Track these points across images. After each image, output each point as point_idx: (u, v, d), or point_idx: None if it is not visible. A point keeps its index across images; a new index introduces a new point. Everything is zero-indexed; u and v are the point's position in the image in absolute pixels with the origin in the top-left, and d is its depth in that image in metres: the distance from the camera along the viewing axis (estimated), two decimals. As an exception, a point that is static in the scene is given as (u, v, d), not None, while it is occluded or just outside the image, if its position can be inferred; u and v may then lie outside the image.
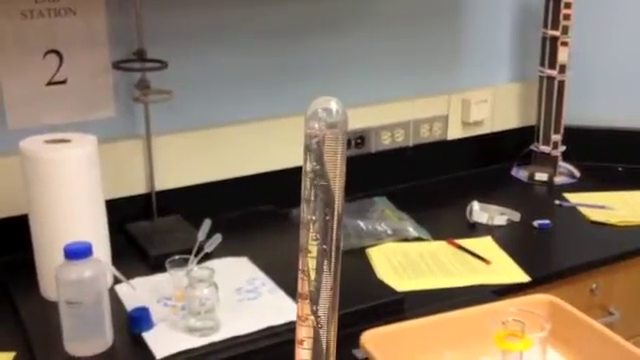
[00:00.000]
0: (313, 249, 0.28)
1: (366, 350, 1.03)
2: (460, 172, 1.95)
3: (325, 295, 0.28)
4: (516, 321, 0.87)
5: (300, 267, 0.28)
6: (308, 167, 0.28)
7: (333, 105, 0.28)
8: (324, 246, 0.27)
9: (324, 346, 0.29)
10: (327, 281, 0.28)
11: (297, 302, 0.29)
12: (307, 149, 0.29)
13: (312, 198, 0.28)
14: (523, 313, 0.94)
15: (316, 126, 0.28)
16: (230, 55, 1.59)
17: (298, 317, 0.29)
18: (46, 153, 1.18)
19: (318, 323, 0.28)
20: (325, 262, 0.28)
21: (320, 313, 0.28)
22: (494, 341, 0.86)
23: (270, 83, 1.66)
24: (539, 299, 1.15)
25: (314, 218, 0.28)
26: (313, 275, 0.28)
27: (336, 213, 0.28)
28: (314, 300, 0.28)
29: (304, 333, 0.29)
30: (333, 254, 0.28)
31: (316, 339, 0.29)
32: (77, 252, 1.03)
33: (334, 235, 0.28)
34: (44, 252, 1.23)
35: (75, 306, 1.05)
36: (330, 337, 0.29)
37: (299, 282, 0.29)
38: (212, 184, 1.61)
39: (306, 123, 0.29)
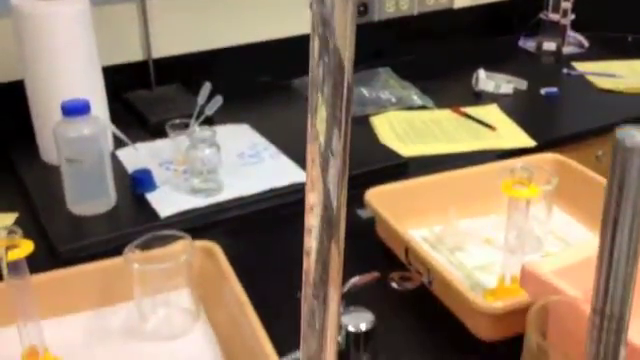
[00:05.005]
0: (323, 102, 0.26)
1: (370, 206, 1.02)
2: (466, 42, 1.89)
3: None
4: (524, 169, 0.85)
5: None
6: (313, 9, 0.25)
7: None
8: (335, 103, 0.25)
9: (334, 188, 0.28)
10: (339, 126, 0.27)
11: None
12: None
13: (320, 49, 0.26)
14: (530, 169, 0.93)
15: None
16: None
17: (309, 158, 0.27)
18: (39, 9, 1.13)
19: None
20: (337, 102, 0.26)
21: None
22: (501, 189, 0.85)
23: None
24: (546, 157, 1.14)
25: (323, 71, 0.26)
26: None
27: (347, 64, 0.26)
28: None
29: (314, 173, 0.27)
30: (345, 100, 0.26)
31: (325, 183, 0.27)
32: (75, 108, 1.00)
33: (345, 79, 0.26)
34: (42, 115, 1.20)
35: (76, 164, 1.03)
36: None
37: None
38: (211, 52, 1.56)
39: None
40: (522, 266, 0.70)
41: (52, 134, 1.04)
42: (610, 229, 0.32)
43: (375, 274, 0.85)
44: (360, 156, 1.25)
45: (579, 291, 0.60)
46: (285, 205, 1.13)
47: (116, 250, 0.86)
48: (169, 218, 1.06)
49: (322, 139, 0.28)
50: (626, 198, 0.32)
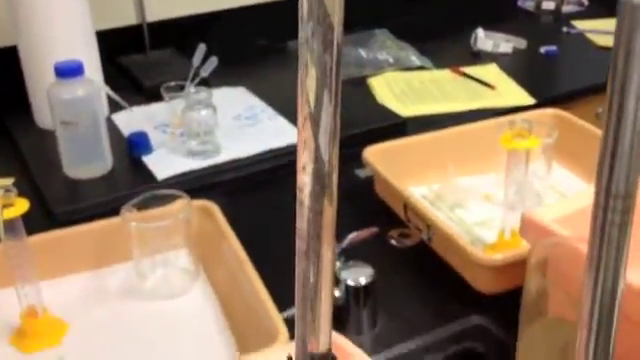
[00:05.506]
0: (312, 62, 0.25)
1: (369, 164, 1.01)
2: (465, 2, 1.86)
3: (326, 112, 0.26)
4: (524, 121, 0.84)
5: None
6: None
7: None
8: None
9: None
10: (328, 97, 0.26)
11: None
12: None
13: (309, 8, 0.25)
14: (530, 122, 0.92)
15: None
16: None
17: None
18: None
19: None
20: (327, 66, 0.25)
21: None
22: (500, 142, 0.84)
23: None
24: (545, 112, 1.13)
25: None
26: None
27: (336, 26, 0.25)
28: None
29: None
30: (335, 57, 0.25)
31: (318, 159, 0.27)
32: (69, 69, 0.99)
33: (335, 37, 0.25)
34: (36, 81, 1.19)
35: (71, 127, 1.02)
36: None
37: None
38: (206, 15, 1.54)
39: None
40: (522, 214, 0.69)
41: (46, 97, 1.03)
42: (617, 99, 0.30)
43: (373, 229, 0.84)
44: (358, 117, 1.24)
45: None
46: (282, 166, 1.12)
47: (113, 212, 0.86)
48: (166, 180, 1.05)
49: (312, 99, 0.28)
50: (632, 63, 0.29)
